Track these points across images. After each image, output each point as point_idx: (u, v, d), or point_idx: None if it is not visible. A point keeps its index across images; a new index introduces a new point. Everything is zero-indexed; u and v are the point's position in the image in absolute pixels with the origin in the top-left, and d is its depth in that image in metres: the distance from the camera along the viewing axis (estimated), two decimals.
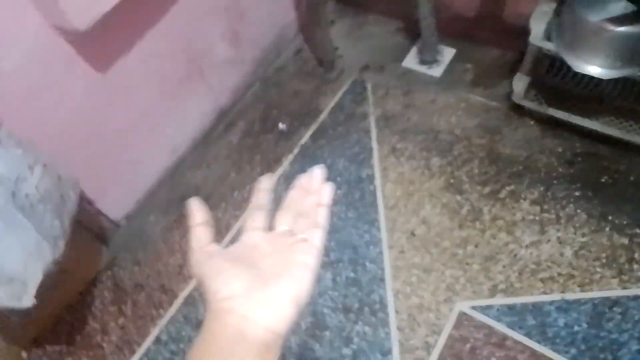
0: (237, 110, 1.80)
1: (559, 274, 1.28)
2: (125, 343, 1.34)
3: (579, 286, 1.26)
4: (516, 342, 1.20)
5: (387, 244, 1.40)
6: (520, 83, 1.51)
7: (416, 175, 1.52)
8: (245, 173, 1.63)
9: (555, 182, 1.44)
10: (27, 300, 1.02)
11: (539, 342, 1.20)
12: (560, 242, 1.33)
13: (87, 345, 1.36)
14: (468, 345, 1.22)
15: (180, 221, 1.55)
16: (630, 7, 1.19)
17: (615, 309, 1.21)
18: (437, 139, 1.59)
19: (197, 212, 0.46)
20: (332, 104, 1.75)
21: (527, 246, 1.34)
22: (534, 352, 1.18)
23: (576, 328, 1.20)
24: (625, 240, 1.31)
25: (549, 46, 1.36)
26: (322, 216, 0.47)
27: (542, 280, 1.28)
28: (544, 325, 1.22)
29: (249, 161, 1.65)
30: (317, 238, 0.46)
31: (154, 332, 1.35)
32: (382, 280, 1.35)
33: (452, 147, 1.56)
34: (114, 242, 1.53)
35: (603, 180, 1.42)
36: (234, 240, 1.48)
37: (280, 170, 1.61)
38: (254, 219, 0.47)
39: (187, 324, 1.35)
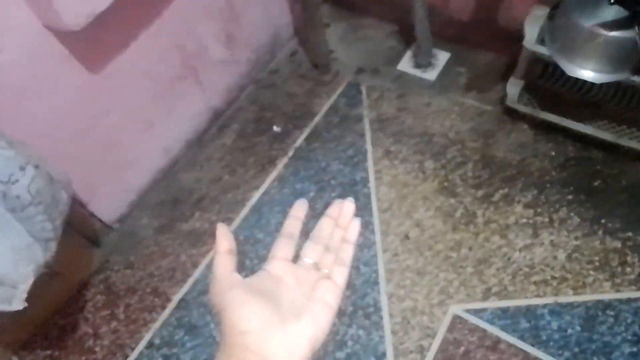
0: (231, 112, 1.79)
1: (552, 277, 1.29)
2: (117, 347, 1.33)
3: (572, 289, 1.26)
4: (509, 345, 1.21)
5: (381, 247, 1.40)
6: (513, 87, 1.52)
7: (410, 178, 1.52)
8: (239, 175, 1.62)
9: (548, 185, 1.45)
10: (18, 303, 1.01)
11: (532, 345, 1.20)
12: (553, 246, 1.34)
13: (78, 350, 1.34)
14: (462, 349, 1.22)
15: (173, 224, 1.54)
16: (623, 12, 1.20)
17: (608, 312, 1.22)
18: (431, 142, 1.59)
19: (224, 239, 0.45)
20: (326, 106, 1.75)
21: (520, 249, 1.34)
22: (527, 355, 1.19)
23: (569, 331, 1.21)
24: (618, 244, 1.32)
25: (543, 50, 1.37)
26: (347, 254, 0.47)
27: (535, 283, 1.29)
28: (537, 329, 1.22)
29: (243, 163, 1.65)
30: (340, 277, 0.46)
31: (147, 336, 1.34)
32: (376, 283, 1.34)
33: (446, 151, 1.56)
34: (106, 244, 1.52)
35: (596, 184, 1.43)
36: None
37: (274, 173, 1.60)
38: (281, 247, 0.46)
39: (180, 328, 1.34)
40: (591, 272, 1.28)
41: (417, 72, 1.78)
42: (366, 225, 1.45)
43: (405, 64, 1.81)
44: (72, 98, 1.25)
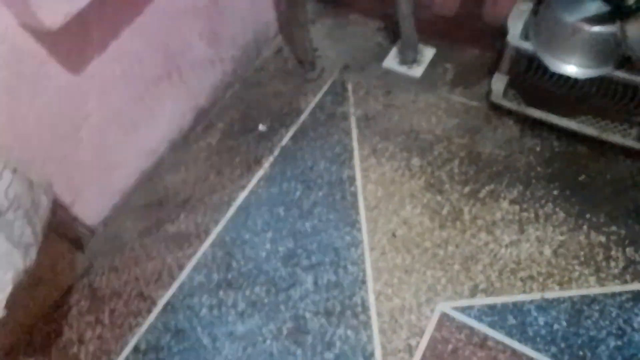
0: (216, 111, 1.77)
1: (539, 273, 1.29)
2: (102, 353, 1.31)
3: (558, 285, 1.27)
4: (497, 342, 1.21)
5: (369, 246, 1.40)
6: (498, 83, 1.52)
7: (397, 175, 1.52)
8: (225, 175, 1.60)
9: (534, 181, 1.45)
10: None
11: (519, 341, 1.20)
12: (539, 241, 1.34)
13: (63, 356, 1.32)
14: (450, 347, 1.22)
15: (158, 226, 1.52)
16: (605, 8, 1.20)
17: (593, 306, 1.23)
18: (418, 139, 1.59)
19: None
20: (312, 104, 1.74)
21: (506, 245, 1.35)
22: (514, 352, 1.19)
23: (556, 326, 1.21)
24: (603, 238, 1.33)
25: (527, 46, 1.37)
26: None
27: (522, 279, 1.29)
28: (524, 325, 1.22)
29: (229, 163, 1.63)
30: None
31: (132, 341, 1.32)
32: (364, 282, 1.34)
33: (433, 147, 1.56)
34: (89, 248, 1.49)
35: (581, 179, 1.44)
36: (213, 244, 1.46)
37: (260, 172, 1.59)
38: None
39: (166, 332, 1.32)
40: (577, 267, 1.29)
41: (403, 69, 1.77)
42: (353, 224, 1.44)
43: (391, 61, 1.80)
44: (53, 99, 1.23)
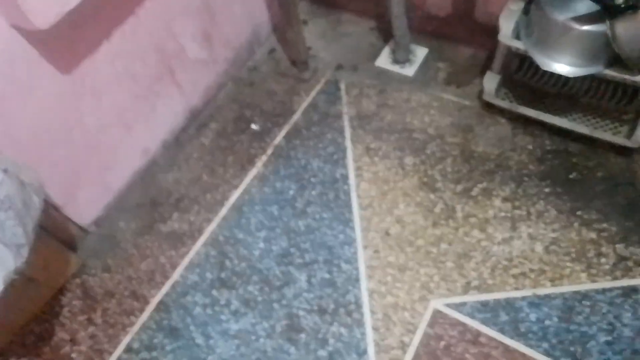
0: (209, 111, 1.77)
1: (531, 270, 1.30)
2: (95, 352, 1.31)
3: (549, 281, 1.28)
4: (490, 338, 1.21)
5: (362, 244, 1.40)
6: (490, 81, 1.53)
7: (390, 174, 1.52)
8: (218, 175, 1.60)
9: (526, 179, 1.46)
10: None
11: (512, 337, 1.21)
12: (531, 238, 1.35)
13: (55, 356, 1.31)
14: (443, 343, 1.22)
15: (152, 225, 1.52)
16: (595, 7, 1.21)
17: (584, 302, 1.24)
18: (411, 138, 1.60)
19: None
20: (305, 103, 1.74)
21: (499, 243, 1.36)
22: (507, 348, 1.20)
23: (547, 322, 1.22)
24: (594, 235, 1.34)
25: (518, 45, 1.38)
26: None
27: (514, 276, 1.30)
28: (517, 321, 1.23)
29: (222, 163, 1.63)
30: None
31: (126, 340, 1.32)
32: (357, 280, 1.34)
33: (426, 146, 1.57)
34: (82, 248, 1.49)
35: (572, 176, 1.45)
36: (206, 244, 1.46)
37: (254, 172, 1.59)
38: None
39: (160, 331, 1.32)
40: (568, 264, 1.30)
41: (396, 68, 1.78)
42: (347, 223, 1.44)
43: (384, 60, 1.81)
44: (45, 100, 1.22)
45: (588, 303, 1.23)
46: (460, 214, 1.42)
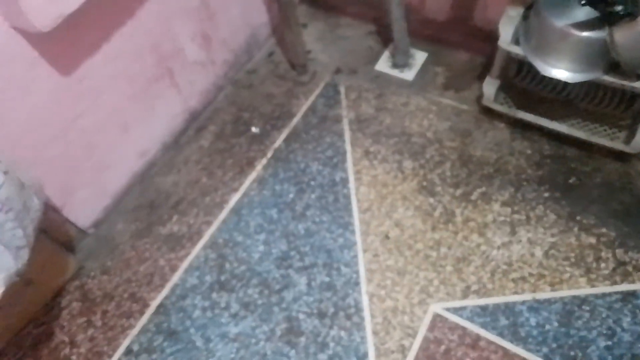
0: (208, 113, 1.77)
1: (530, 274, 1.31)
2: (95, 355, 1.30)
3: (549, 286, 1.28)
4: (489, 342, 1.22)
5: (362, 248, 1.40)
6: (489, 86, 1.54)
7: (389, 178, 1.53)
8: (217, 178, 1.60)
9: (524, 183, 1.47)
10: None
11: (511, 341, 1.21)
12: (530, 243, 1.36)
13: (54, 358, 1.31)
14: (442, 347, 1.22)
15: (150, 228, 1.51)
16: (594, 13, 1.22)
17: (584, 307, 1.24)
18: (410, 142, 1.60)
19: None
20: (305, 107, 1.74)
21: (498, 247, 1.36)
22: (506, 352, 1.20)
23: (547, 327, 1.22)
24: (593, 240, 1.34)
25: (517, 50, 1.38)
26: None
27: (513, 280, 1.30)
28: (516, 325, 1.24)
29: (221, 165, 1.63)
30: None
31: (125, 343, 1.31)
32: (357, 284, 1.34)
33: (425, 150, 1.57)
34: (81, 250, 1.48)
35: (571, 181, 1.46)
36: (205, 247, 1.46)
37: (253, 175, 1.59)
38: None
39: (159, 334, 1.31)
40: (567, 269, 1.30)
41: (395, 72, 1.78)
42: (346, 226, 1.45)
43: (383, 64, 1.82)
44: (44, 101, 1.22)
45: (587, 308, 1.24)
46: (460, 218, 1.43)
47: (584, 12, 1.24)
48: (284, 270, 1.39)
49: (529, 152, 1.53)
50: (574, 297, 1.26)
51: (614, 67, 1.27)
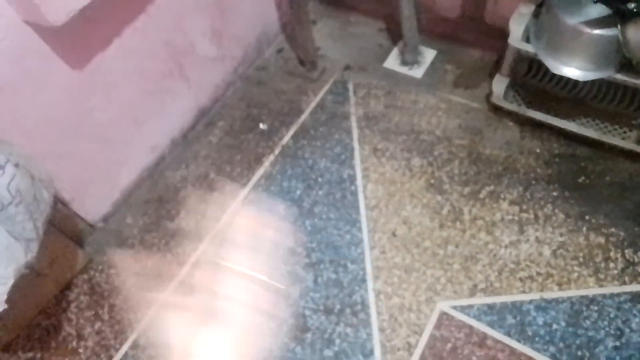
0: (217, 109, 1.77)
1: (538, 273, 1.30)
2: (102, 348, 1.31)
3: (557, 285, 1.28)
4: (496, 341, 1.21)
5: (369, 245, 1.40)
6: (499, 84, 1.53)
7: (397, 175, 1.52)
8: (225, 173, 1.60)
9: (533, 182, 1.46)
10: None
11: (518, 340, 1.21)
12: (538, 242, 1.35)
13: (62, 351, 1.32)
14: (449, 345, 1.22)
15: (159, 222, 1.52)
16: (607, 11, 1.21)
17: (592, 307, 1.23)
18: (418, 140, 1.59)
19: None
20: (313, 103, 1.74)
21: (506, 246, 1.35)
22: (513, 351, 1.20)
23: (555, 326, 1.22)
24: (602, 240, 1.33)
25: (528, 48, 1.38)
26: None
27: (521, 279, 1.30)
28: (524, 324, 1.23)
29: (229, 161, 1.63)
30: None
31: (132, 337, 1.32)
32: (364, 280, 1.34)
33: (433, 148, 1.57)
34: (90, 244, 1.49)
35: (580, 180, 1.45)
36: (212, 241, 1.46)
37: (261, 171, 1.59)
38: None
39: (166, 328, 1.32)
40: (576, 268, 1.30)
41: (404, 70, 1.78)
42: (354, 223, 1.45)
43: (392, 62, 1.81)
44: (57, 95, 1.23)
45: (596, 308, 1.23)
46: (468, 217, 1.42)
47: (597, 10, 1.23)
48: (290, 267, 1.39)
49: (538, 150, 1.52)
50: (582, 296, 1.25)
51: (626, 65, 1.26)
